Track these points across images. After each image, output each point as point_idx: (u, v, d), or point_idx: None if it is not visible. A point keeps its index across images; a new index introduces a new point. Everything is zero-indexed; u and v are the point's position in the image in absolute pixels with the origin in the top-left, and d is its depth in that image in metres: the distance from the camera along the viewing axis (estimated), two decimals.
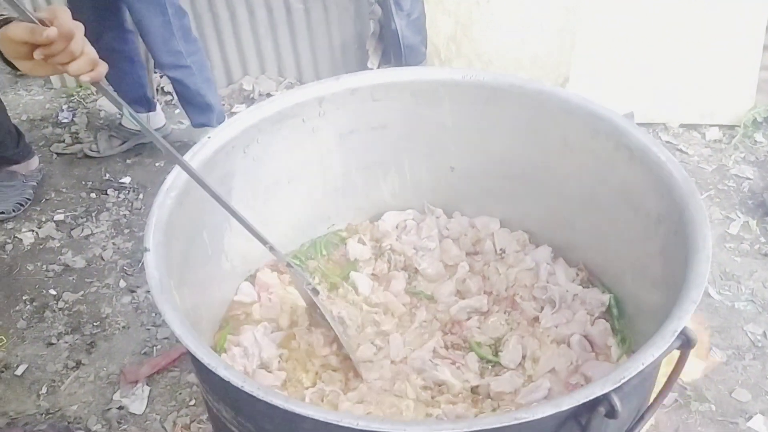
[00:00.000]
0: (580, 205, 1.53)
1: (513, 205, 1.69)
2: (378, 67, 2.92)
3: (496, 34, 2.86)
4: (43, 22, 0.96)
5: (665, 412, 1.85)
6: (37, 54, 0.96)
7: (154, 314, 2.18)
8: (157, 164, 2.84)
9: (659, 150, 1.32)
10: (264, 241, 1.35)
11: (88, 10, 2.38)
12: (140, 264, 2.37)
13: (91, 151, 2.89)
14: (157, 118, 2.92)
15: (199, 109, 2.69)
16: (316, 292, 1.47)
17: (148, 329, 2.13)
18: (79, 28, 1.00)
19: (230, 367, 0.97)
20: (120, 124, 2.93)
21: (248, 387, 0.93)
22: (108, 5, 2.47)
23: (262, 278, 1.62)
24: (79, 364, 2.03)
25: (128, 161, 2.88)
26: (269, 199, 1.62)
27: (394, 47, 2.84)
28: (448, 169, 1.73)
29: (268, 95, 3.15)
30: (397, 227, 1.74)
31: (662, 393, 1.11)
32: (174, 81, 2.62)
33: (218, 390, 1.08)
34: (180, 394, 1.92)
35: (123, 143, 2.89)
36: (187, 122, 3.05)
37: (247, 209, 1.50)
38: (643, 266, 1.39)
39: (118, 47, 2.59)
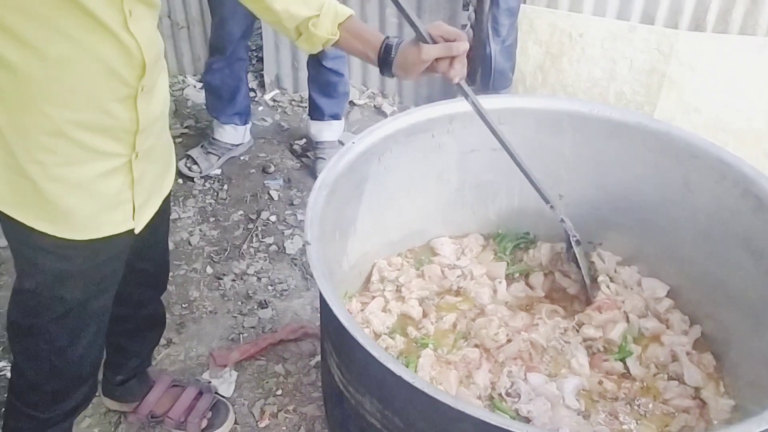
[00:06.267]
0: (694, 247, 1.58)
1: (621, 240, 1.74)
2: None
3: (585, 67, 2.92)
4: (431, 36, 1.16)
5: None
6: (458, 65, 1.18)
7: (240, 302, 2.24)
8: (242, 158, 2.92)
9: None
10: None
11: (239, 17, 2.47)
12: (226, 252, 2.44)
13: (191, 171, 2.74)
14: (247, 132, 2.91)
15: (340, 99, 2.74)
16: None
17: (235, 317, 2.20)
18: (460, 33, 1.17)
19: (398, 363, 1.03)
20: (213, 138, 2.82)
21: (419, 384, 0.98)
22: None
23: None
24: (170, 342, 2.10)
25: None
26: (389, 206, 1.68)
27: (484, 70, 2.89)
28: (556, 196, 1.79)
29: (351, 103, 3.23)
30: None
31: None
32: (330, 72, 2.63)
33: (368, 382, 1.14)
34: (267, 383, 1.98)
35: (219, 158, 2.82)
36: (270, 120, 3.14)
37: (369, 213, 1.59)
38: (758, 314, 1.43)
39: (243, 56, 2.68)
